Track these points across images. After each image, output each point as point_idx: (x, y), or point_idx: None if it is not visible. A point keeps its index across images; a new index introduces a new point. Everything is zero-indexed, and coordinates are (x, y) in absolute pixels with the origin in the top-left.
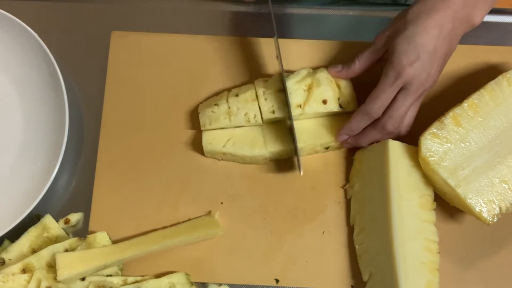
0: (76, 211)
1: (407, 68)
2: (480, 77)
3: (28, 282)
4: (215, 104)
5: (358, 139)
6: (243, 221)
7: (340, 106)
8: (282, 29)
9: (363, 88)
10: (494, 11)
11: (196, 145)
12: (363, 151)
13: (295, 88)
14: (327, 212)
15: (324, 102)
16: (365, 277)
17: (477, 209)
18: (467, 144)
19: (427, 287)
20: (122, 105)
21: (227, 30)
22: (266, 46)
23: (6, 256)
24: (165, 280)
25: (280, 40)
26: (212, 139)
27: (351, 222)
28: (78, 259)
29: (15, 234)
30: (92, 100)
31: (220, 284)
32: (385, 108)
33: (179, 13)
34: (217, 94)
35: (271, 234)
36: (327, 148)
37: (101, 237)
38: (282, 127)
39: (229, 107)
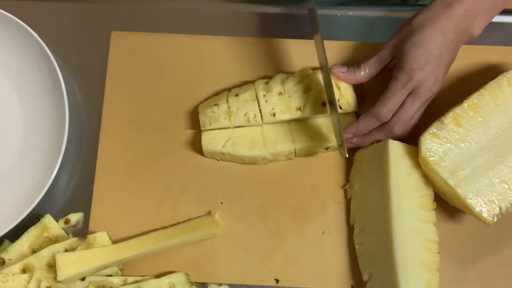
0: (76, 211)
1: (418, 72)
2: (480, 77)
3: (28, 282)
4: (215, 104)
5: (363, 140)
6: (243, 221)
7: (340, 107)
8: (283, 29)
9: (363, 89)
10: None
11: (196, 145)
12: (363, 151)
13: (295, 90)
14: (327, 212)
15: (324, 104)
16: (365, 277)
17: (477, 209)
18: (467, 144)
19: (427, 287)
20: (122, 105)
21: (227, 30)
22: (266, 46)
23: (6, 256)
24: (165, 280)
25: (281, 40)
26: (211, 140)
27: (351, 222)
28: (78, 259)
29: (15, 234)
30: (92, 100)
31: (220, 284)
32: (394, 112)
33: (179, 13)
34: (217, 94)
35: (271, 234)
36: (327, 148)
37: (101, 237)
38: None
39: (229, 107)
